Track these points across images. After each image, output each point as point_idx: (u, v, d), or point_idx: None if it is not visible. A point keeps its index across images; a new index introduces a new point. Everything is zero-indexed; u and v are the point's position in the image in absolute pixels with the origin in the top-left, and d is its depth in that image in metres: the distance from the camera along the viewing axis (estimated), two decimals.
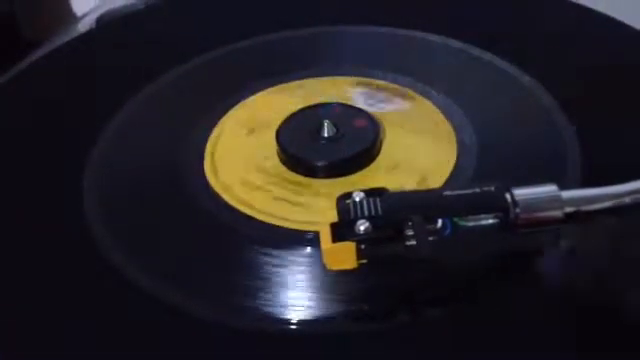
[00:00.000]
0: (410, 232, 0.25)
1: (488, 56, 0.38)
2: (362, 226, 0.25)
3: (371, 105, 0.35)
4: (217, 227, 0.30)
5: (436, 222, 0.25)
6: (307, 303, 0.27)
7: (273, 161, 0.33)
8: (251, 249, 0.29)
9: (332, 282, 0.27)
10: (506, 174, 0.30)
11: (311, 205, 0.31)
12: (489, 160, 0.32)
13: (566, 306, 0.26)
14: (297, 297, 0.27)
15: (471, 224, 0.25)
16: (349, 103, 0.35)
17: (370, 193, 0.26)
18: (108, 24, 0.46)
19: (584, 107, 0.34)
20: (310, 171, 0.32)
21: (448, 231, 0.25)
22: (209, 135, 0.35)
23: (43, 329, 0.27)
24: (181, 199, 0.32)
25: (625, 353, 0.24)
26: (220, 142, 0.35)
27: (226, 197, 0.31)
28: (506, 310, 0.26)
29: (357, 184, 0.30)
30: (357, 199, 0.26)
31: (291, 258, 0.28)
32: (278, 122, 0.34)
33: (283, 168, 0.33)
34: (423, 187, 0.30)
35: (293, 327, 0.26)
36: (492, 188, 0.26)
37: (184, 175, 0.33)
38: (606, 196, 0.26)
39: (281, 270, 0.28)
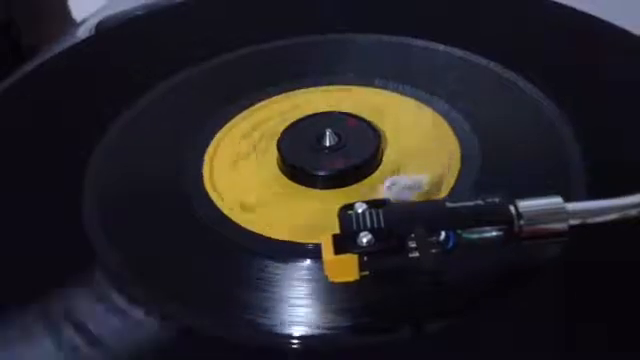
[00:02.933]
0: (413, 244, 0.25)
1: (490, 64, 0.38)
2: (364, 238, 0.25)
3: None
4: (216, 238, 0.30)
5: (439, 234, 0.25)
6: (308, 316, 0.27)
7: (274, 170, 0.33)
8: (251, 261, 0.29)
9: (334, 294, 0.27)
10: (509, 183, 0.30)
11: (312, 215, 0.30)
12: (492, 169, 0.32)
13: (570, 318, 0.26)
14: (298, 310, 0.27)
15: (474, 236, 0.25)
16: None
17: (372, 204, 0.26)
18: (107, 30, 0.45)
19: (587, 114, 0.34)
20: (311, 181, 0.32)
21: (451, 243, 0.25)
22: (210, 143, 0.35)
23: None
24: (180, 207, 0.31)
25: None
26: (220, 150, 0.34)
27: (225, 207, 0.31)
28: (509, 322, 0.26)
29: (359, 194, 0.30)
30: (359, 210, 0.26)
31: (292, 270, 0.28)
32: (280, 131, 0.34)
33: (284, 177, 0.32)
34: (426, 198, 0.30)
35: (293, 341, 0.26)
36: (496, 200, 0.26)
37: (184, 184, 0.32)
38: (612, 208, 0.26)
39: (281, 283, 0.28)
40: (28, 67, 0.43)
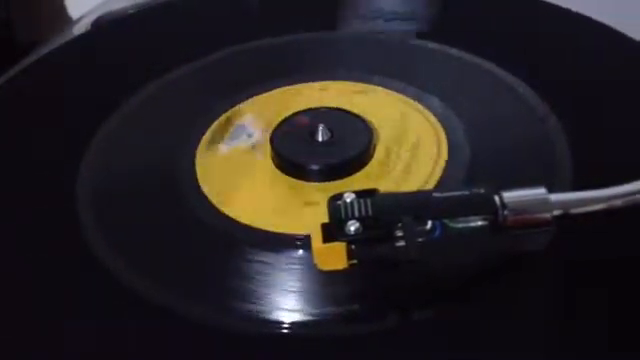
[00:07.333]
0: (400, 233, 0.25)
1: (481, 61, 0.38)
2: (352, 227, 0.25)
3: None
4: (208, 230, 0.30)
5: (426, 223, 0.26)
6: (297, 305, 0.27)
7: (267, 165, 0.33)
8: (242, 252, 0.29)
9: (322, 284, 0.27)
10: (497, 177, 0.31)
11: (303, 208, 0.31)
12: (480, 164, 0.32)
13: (559, 308, 0.26)
14: (287, 299, 0.27)
15: (460, 226, 0.26)
16: None
17: (361, 194, 0.26)
18: (104, 27, 0.46)
19: (576, 111, 0.34)
20: (303, 174, 0.32)
21: (438, 232, 0.26)
22: (204, 138, 0.35)
23: (37, 331, 0.27)
24: (174, 202, 0.32)
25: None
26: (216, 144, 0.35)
27: (219, 201, 0.31)
28: (498, 311, 0.26)
29: (350, 187, 0.30)
30: (348, 200, 0.26)
31: (282, 261, 0.28)
32: (273, 126, 0.34)
33: (277, 171, 0.33)
34: (415, 189, 0.31)
35: (284, 329, 0.26)
36: (482, 190, 0.26)
37: (179, 178, 0.33)
38: (596, 199, 0.26)
39: (272, 273, 0.28)
40: (24, 63, 0.43)
